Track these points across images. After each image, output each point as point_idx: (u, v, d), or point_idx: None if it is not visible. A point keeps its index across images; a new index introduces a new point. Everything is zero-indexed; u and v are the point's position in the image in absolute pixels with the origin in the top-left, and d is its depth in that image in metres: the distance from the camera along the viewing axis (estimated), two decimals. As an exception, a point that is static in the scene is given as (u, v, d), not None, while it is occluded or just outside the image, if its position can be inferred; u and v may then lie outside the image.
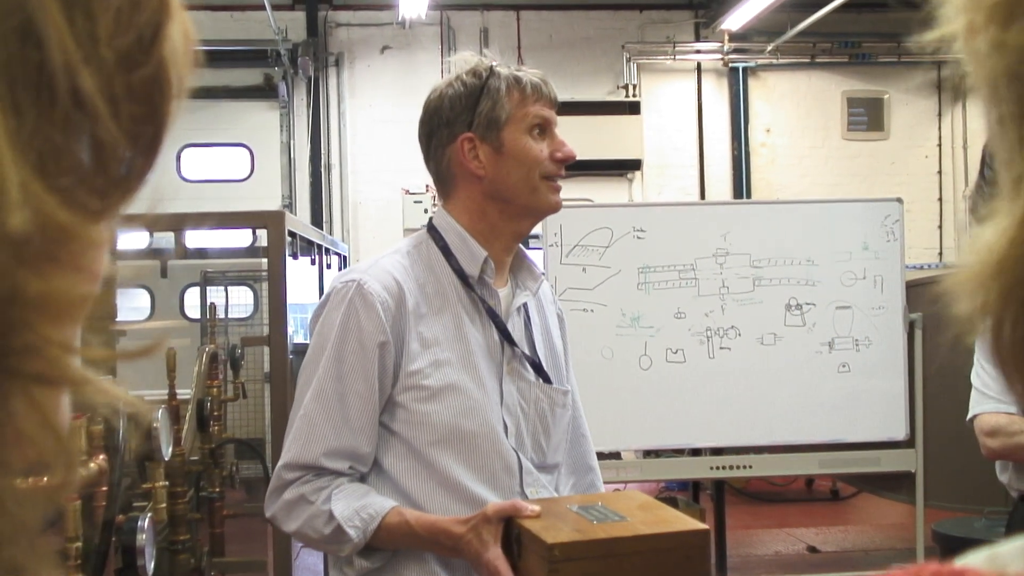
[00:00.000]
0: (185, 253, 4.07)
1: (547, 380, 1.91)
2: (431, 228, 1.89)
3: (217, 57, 9.04)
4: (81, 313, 0.41)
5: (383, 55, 9.75)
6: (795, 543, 6.84)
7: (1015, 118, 0.43)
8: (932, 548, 4.99)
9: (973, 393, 2.84)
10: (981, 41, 0.43)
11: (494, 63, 1.85)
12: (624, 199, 9.71)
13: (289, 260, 4.01)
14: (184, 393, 3.59)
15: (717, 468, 4.97)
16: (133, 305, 8.14)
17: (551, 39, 9.82)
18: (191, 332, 7.32)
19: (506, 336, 1.85)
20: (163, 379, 3.41)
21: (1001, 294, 0.43)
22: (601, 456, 2.16)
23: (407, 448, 1.77)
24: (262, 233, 4.02)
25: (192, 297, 8.39)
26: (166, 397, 3.39)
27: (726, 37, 9.74)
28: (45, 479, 0.40)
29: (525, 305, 1.92)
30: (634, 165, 9.66)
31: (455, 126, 1.83)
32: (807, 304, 4.83)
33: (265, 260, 3.96)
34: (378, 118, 9.55)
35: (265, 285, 4.28)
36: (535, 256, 2.06)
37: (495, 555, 1.63)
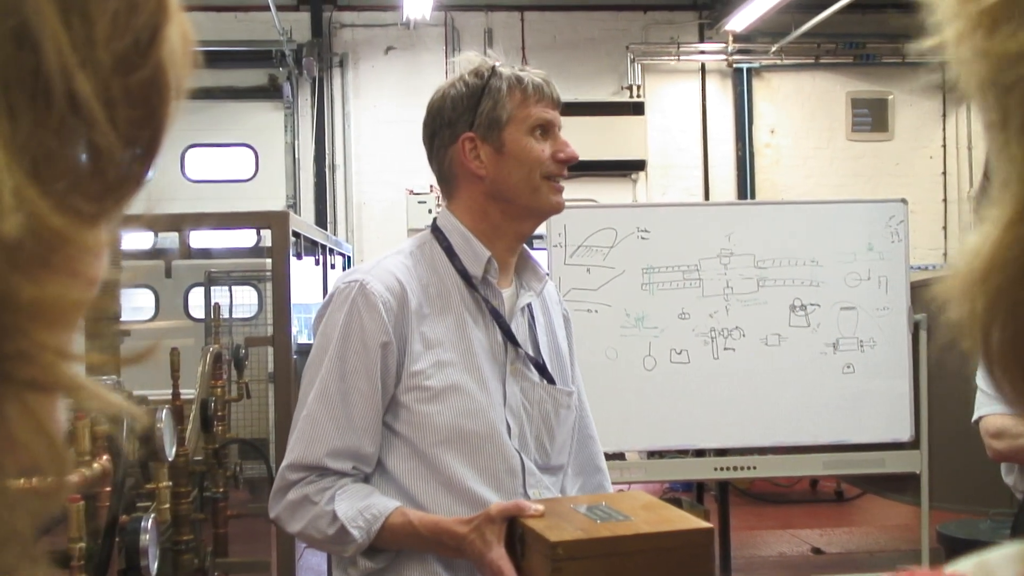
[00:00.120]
0: (189, 253, 4.08)
1: (551, 381, 1.91)
2: (435, 229, 1.89)
3: (221, 58, 9.06)
4: (76, 318, 0.41)
5: (387, 56, 9.75)
6: (799, 544, 6.83)
7: (998, 125, 0.43)
8: (937, 550, 4.98)
9: (978, 394, 2.83)
10: (966, 49, 0.43)
11: (497, 63, 1.84)
12: (628, 200, 9.70)
13: (293, 260, 4.02)
14: (188, 393, 3.60)
15: (721, 469, 4.97)
16: (137, 305, 8.16)
17: (555, 40, 9.82)
18: (195, 332, 7.34)
19: (509, 337, 1.84)
20: (167, 379, 3.41)
21: (988, 300, 0.43)
22: (605, 457, 2.15)
23: (410, 449, 1.77)
24: (266, 233, 4.03)
25: (196, 297, 8.41)
26: (170, 397, 3.39)
27: (730, 38, 9.73)
28: (38, 482, 0.40)
29: (529, 306, 1.92)
30: (638, 166, 9.65)
31: (457, 126, 1.83)
32: (811, 305, 4.83)
33: (269, 260, 3.97)
34: (382, 119, 9.56)
35: (269, 285, 4.29)
36: (539, 256, 2.06)
37: (498, 555, 1.63)
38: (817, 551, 6.62)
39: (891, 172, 10.07)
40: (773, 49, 9.79)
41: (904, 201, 4.94)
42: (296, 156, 9.63)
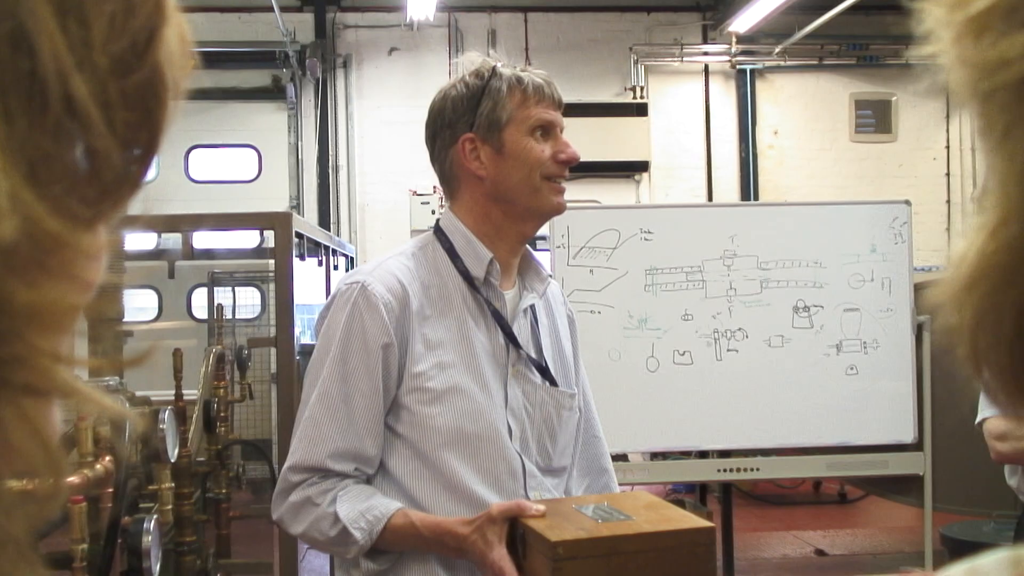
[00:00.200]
0: (192, 254, 4.07)
1: (553, 383, 1.90)
2: (437, 230, 1.89)
3: (225, 58, 9.07)
4: (72, 322, 0.40)
5: (391, 57, 9.75)
6: (803, 546, 6.82)
7: (983, 132, 0.44)
8: (940, 552, 4.98)
9: (982, 396, 2.82)
10: (953, 56, 0.44)
11: (498, 63, 1.84)
12: (631, 201, 9.70)
13: (296, 261, 4.02)
14: (191, 394, 3.60)
15: (724, 470, 4.96)
16: (141, 306, 8.17)
17: (559, 41, 9.82)
18: (198, 333, 7.33)
19: (511, 338, 1.84)
20: (170, 380, 3.42)
21: (975, 306, 0.43)
22: (608, 458, 2.15)
23: (412, 451, 1.77)
24: (269, 234, 4.03)
25: (199, 298, 8.41)
26: (173, 398, 3.39)
27: (733, 39, 9.73)
28: (33, 486, 0.39)
29: (533, 307, 1.92)
30: (641, 167, 9.65)
31: (457, 127, 1.83)
32: (815, 306, 4.82)
33: (272, 261, 3.96)
34: (386, 120, 9.56)
35: (272, 286, 4.28)
36: (542, 258, 2.05)
37: (500, 555, 1.63)
38: (820, 553, 6.62)
39: (895, 173, 10.07)
40: (776, 50, 9.78)
41: (908, 202, 4.93)
42: (299, 157, 9.64)
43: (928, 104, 10.07)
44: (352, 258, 6.63)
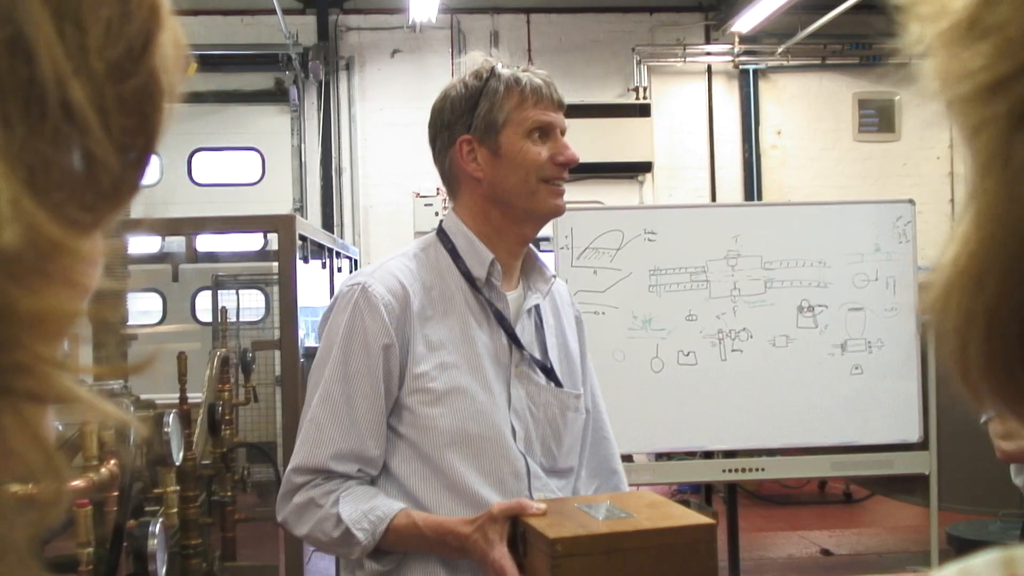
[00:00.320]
0: (196, 257, 4.09)
1: (558, 383, 1.90)
2: (440, 231, 1.89)
3: (228, 61, 9.08)
4: (72, 328, 0.40)
5: (394, 59, 9.76)
6: (808, 546, 6.81)
7: (963, 141, 0.44)
8: (946, 551, 4.97)
9: (986, 395, 2.82)
10: (928, 67, 0.45)
11: (498, 64, 1.84)
12: (635, 201, 9.69)
13: (300, 264, 4.02)
14: (195, 397, 3.61)
15: (729, 471, 4.95)
16: (145, 309, 8.17)
17: (561, 42, 9.82)
18: (202, 336, 7.35)
19: (514, 339, 1.84)
20: (175, 383, 3.42)
21: (961, 314, 0.43)
22: (613, 459, 2.14)
23: (414, 451, 1.77)
24: (273, 237, 4.04)
25: (203, 301, 8.42)
26: (177, 401, 3.40)
27: (736, 39, 9.72)
28: (35, 492, 0.39)
29: (538, 307, 1.91)
30: (644, 167, 9.64)
31: (455, 128, 1.83)
32: (819, 306, 4.81)
33: (276, 264, 3.97)
34: (389, 121, 9.56)
35: (276, 289, 4.29)
36: (546, 259, 2.05)
37: (501, 554, 1.63)
38: (826, 552, 6.61)
39: (898, 173, 10.05)
40: (779, 50, 9.77)
41: (911, 202, 4.92)
42: (302, 159, 9.64)
43: (932, 103, 10.03)
44: (356, 260, 6.64)
